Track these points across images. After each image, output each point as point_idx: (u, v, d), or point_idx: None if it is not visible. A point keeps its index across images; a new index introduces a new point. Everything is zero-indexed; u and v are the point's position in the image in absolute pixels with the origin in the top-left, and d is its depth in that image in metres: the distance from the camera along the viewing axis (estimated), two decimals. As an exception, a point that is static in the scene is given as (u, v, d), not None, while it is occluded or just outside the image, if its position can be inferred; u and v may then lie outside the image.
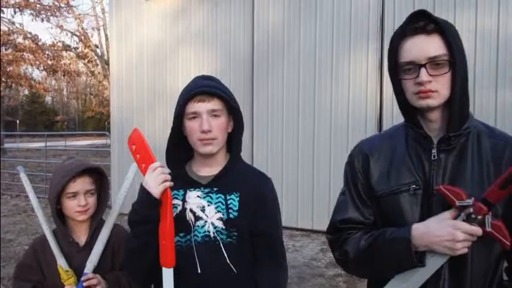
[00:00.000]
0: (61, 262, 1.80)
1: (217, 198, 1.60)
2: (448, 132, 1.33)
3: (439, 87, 1.30)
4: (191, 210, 1.60)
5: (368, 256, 1.38)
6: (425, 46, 1.29)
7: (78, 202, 1.82)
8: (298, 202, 7.14)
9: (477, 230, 1.22)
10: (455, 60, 1.30)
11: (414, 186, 1.35)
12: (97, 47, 27.67)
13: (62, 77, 25.44)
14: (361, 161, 1.46)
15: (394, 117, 6.12)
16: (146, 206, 1.52)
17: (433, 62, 1.29)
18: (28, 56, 21.64)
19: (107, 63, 22.20)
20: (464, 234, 1.22)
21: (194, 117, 1.58)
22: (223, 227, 1.56)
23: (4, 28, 21.35)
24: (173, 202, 1.59)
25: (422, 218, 1.33)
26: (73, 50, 25.62)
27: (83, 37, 26.57)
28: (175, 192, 1.62)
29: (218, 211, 1.58)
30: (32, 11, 21.07)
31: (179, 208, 1.60)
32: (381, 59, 6.46)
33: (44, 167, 12.04)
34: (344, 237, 1.45)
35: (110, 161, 9.21)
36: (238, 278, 1.57)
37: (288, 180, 7.19)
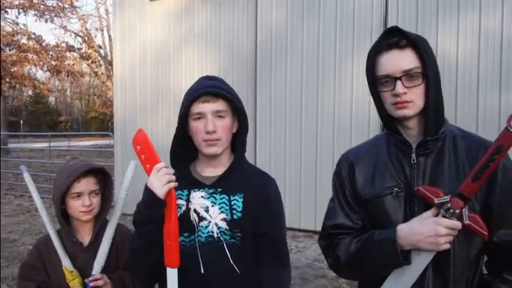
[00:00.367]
0: (66, 263, 1.81)
1: (221, 198, 1.60)
2: (425, 137, 1.42)
3: (414, 97, 1.39)
4: (195, 211, 1.60)
5: (358, 259, 1.47)
6: (399, 60, 1.39)
7: (83, 202, 1.83)
8: (301, 203, 7.14)
9: (456, 224, 1.32)
10: (428, 72, 1.38)
11: (397, 189, 1.45)
12: (100, 47, 27.76)
13: (66, 78, 25.55)
14: (347, 169, 1.56)
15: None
16: (150, 206, 1.53)
17: (408, 75, 1.38)
18: (32, 56, 21.73)
19: (111, 63, 22.23)
20: (445, 229, 1.31)
21: (199, 118, 1.58)
22: (227, 228, 1.57)
23: (8, 29, 21.46)
24: (177, 202, 1.59)
25: (405, 218, 1.42)
26: (77, 50, 25.72)
27: (86, 38, 26.66)
28: (180, 192, 1.62)
29: (222, 212, 1.58)
30: (36, 12, 21.17)
31: (183, 208, 1.61)
32: (384, 60, 6.44)
33: (47, 167, 12.08)
34: (335, 243, 1.54)
35: (114, 161, 9.23)
36: (241, 278, 1.57)
37: (291, 181, 7.18)
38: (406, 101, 1.38)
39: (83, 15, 26.30)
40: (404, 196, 1.43)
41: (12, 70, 21.38)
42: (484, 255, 1.46)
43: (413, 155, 1.44)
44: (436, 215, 1.34)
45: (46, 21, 21.88)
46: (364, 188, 1.50)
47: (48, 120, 46.47)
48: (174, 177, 1.53)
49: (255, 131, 7.43)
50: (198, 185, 1.64)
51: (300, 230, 7.02)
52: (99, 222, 1.90)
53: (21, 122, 42.10)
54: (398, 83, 1.37)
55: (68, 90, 50.94)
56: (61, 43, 23.63)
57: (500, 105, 5.84)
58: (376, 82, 1.44)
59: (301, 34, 7.12)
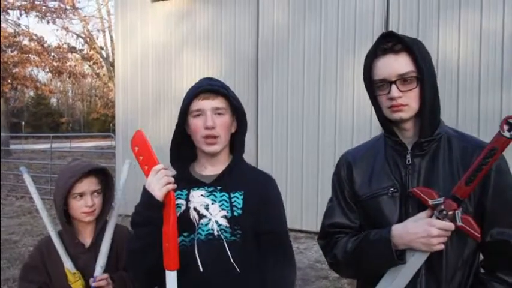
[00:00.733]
0: (68, 265, 1.81)
1: (221, 196, 1.60)
2: (420, 138, 1.45)
3: (409, 101, 1.42)
4: (195, 209, 1.60)
5: (354, 258, 1.50)
6: (394, 64, 1.42)
7: (85, 202, 1.83)
8: (303, 204, 7.13)
9: (449, 225, 1.34)
10: (423, 76, 1.40)
11: (392, 189, 1.48)
12: (102, 48, 27.75)
13: (67, 79, 25.59)
14: (345, 170, 1.60)
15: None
16: (148, 208, 1.52)
17: (402, 79, 1.41)
18: (34, 57, 21.73)
19: (112, 65, 22.26)
20: (438, 230, 1.33)
21: (198, 115, 1.60)
22: (228, 225, 1.56)
23: (10, 30, 21.48)
24: (177, 202, 1.59)
25: (401, 218, 1.45)
26: (78, 51, 25.73)
27: (88, 39, 26.67)
28: (179, 192, 1.62)
29: (222, 209, 1.58)
30: (37, 13, 21.21)
31: (183, 208, 1.61)
32: (385, 61, 6.43)
33: (49, 168, 12.10)
34: (333, 242, 1.57)
35: (115, 162, 9.24)
36: (241, 278, 1.56)
37: (293, 181, 7.18)
38: (402, 105, 1.41)
39: (85, 16, 26.32)
40: (399, 196, 1.46)
41: (14, 71, 21.39)
42: (479, 256, 1.48)
43: (409, 156, 1.47)
44: (431, 216, 1.37)
45: (48, 22, 21.93)
46: (362, 188, 1.54)
47: (50, 122, 46.54)
48: (172, 179, 1.52)
49: (256, 132, 7.43)
50: (198, 183, 1.64)
51: (301, 231, 7.01)
52: (100, 223, 1.91)
53: (23, 123, 42.20)
54: (394, 87, 1.41)
55: (70, 91, 50.98)
56: (63, 44, 23.63)
57: (501, 105, 5.83)
58: (373, 86, 1.48)
59: (303, 35, 7.12)
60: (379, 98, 1.47)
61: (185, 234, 1.58)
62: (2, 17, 19.59)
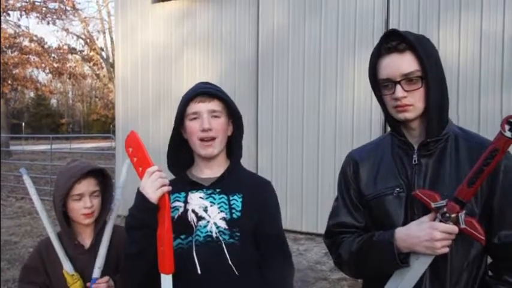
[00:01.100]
0: (66, 267, 1.80)
1: (220, 198, 1.60)
2: (426, 138, 1.43)
3: (414, 101, 1.40)
4: (193, 211, 1.59)
5: (359, 258, 1.49)
6: (399, 64, 1.40)
7: (84, 203, 1.82)
8: (303, 205, 7.12)
9: (453, 228, 1.31)
10: (428, 75, 1.38)
11: (398, 189, 1.45)
12: (102, 49, 27.82)
13: (68, 80, 25.54)
14: (352, 169, 1.58)
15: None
16: (143, 211, 1.50)
17: (407, 78, 1.39)
18: (34, 58, 21.74)
19: (112, 66, 22.27)
20: (441, 233, 1.31)
21: (195, 118, 1.61)
22: (226, 227, 1.56)
23: (10, 31, 21.50)
24: (174, 204, 1.58)
25: (406, 219, 1.43)
26: (78, 52, 25.78)
27: (88, 40, 26.73)
28: (177, 194, 1.61)
29: (221, 211, 1.58)
30: (38, 14, 21.24)
31: (181, 210, 1.60)
32: (385, 62, 6.43)
33: (49, 169, 12.11)
34: (339, 241, 1.56)
35: (115, 163, 9.23)
36: (239, 280, 1.55)
37: (293, 183, 7.17)
38: (406, 105, 1.39)
39: (85, 17, 26.39)
40: (405, 196, 1.44)
41: (14, 72, 21.38)
42: (486, 258, 1.45)
43: (415, 156, 1.45)
44: (434, 219, 1.34)
45: (48, 23, 21.94)
46: (367, 187, 1.52)
47: (50, 123, 46.52)
48: (167, 181, 1.50)
49: (256, 133, 7.41)
50: (196, 186, 1.64)
51: (301, 233, 7.00)
52: (99, 225, 1.90)
53: (23, 124, 42.15)
54: (398, 87, 1.39)
55: (70, 92, 50.98)
56: (63, 45, 23.63)
57: (502, 106, 5.83)
58: (379, 85, 1.46)
59: (303, 36, 7.12)
60: (384, 98, 1.46)
61: (182, 236, 1.57)
62: (2, 18, 19.60)
